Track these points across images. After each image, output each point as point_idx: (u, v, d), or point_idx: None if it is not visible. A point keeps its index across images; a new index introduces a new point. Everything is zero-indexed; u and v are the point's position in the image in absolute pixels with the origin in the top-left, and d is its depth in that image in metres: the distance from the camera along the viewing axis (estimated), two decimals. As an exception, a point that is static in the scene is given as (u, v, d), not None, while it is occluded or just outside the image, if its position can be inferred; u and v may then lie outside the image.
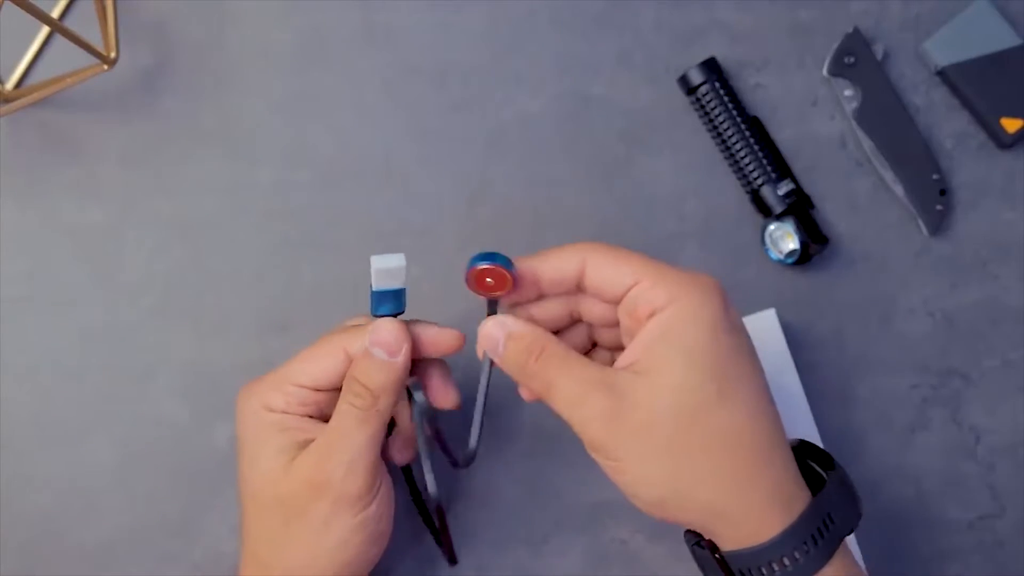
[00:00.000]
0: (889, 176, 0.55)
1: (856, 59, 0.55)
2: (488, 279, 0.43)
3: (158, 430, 0.54)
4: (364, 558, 0.45)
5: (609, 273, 0.42)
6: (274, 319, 0.55)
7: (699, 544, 0.42)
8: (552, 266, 0.43)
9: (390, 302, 0.45)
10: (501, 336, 0.42)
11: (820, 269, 0.55)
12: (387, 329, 0.44)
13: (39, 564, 0.54)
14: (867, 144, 0.55)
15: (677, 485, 0.40)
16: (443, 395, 0.47)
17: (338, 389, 0.45)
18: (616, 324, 0.43)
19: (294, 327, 0.55)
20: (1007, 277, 0.55)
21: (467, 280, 0.43)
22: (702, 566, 0.43)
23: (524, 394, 0.44)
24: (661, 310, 0.40)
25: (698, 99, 0.54)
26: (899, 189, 0.55)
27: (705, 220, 0.55)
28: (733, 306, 0.41)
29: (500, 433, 0.54)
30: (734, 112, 0.54)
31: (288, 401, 0.45)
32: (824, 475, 0.42)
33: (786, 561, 0.39)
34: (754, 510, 0.40)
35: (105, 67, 0.53)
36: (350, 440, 0.43)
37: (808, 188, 0.55)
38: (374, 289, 0.44)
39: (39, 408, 0.54)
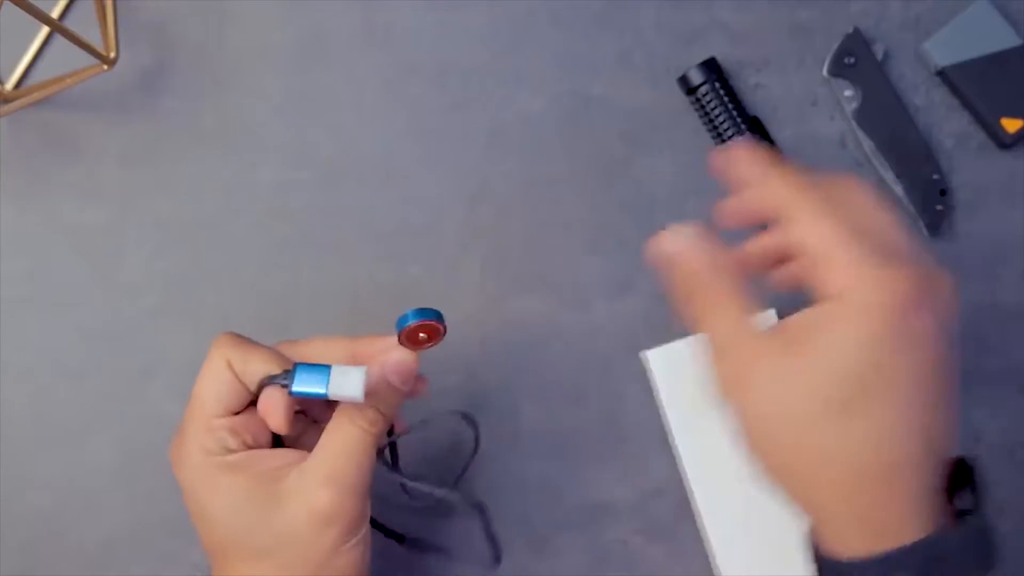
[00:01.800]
0: (889, 176, 0.55)
1: (856, 59, 0.55)
2: (421, 334, 0.44)
3: (158, 430, 0.54)
4: (366, 571, 0.45)
5: (803, 237, 0.39)
6: (274, 319, 0.55)
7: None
8: (760, 198, 0.41)
9: (306, 386, 0.42)
10: (676, 250, 0.41)
11: (820, 269, 0.55)
12: (405, 359, 0.43)
13: (39, 564, 0.54)
14: (867, 144, 0.55)
15: (770, 471, 0.39)
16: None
17: (243, 408, 0.43)
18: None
19: (294, 327, 0.55)
20: (1007, 277, 0.55)
21: (400, 338, 0.43)
22: (811, 559, 0.41)
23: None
24: (832, 298, 0.37)
25: (698, 99, 0.54)
26: (899, 189, 0.55)
27: (705, 220, 0.55)
28: (929, 310, 0.37)
29: (500, 434, 0.54)
30: (734, 112, 0.54)
31: (222, 437, 0.43)
32: (963, 517, 0.39)
33: None
34: (848, 533, 0.38)
35: (105, 67, 0.53)
36: (362, 464, 0.42)
37: (808, 188, 0.55)
38: (329, 390, 0.41)
39: (39, 408, 0.54)
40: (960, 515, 0.39)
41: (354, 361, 0.44)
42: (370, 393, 0.42)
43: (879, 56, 0.55)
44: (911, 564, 0.37)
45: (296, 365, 0.41)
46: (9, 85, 0.56)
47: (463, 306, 0.55)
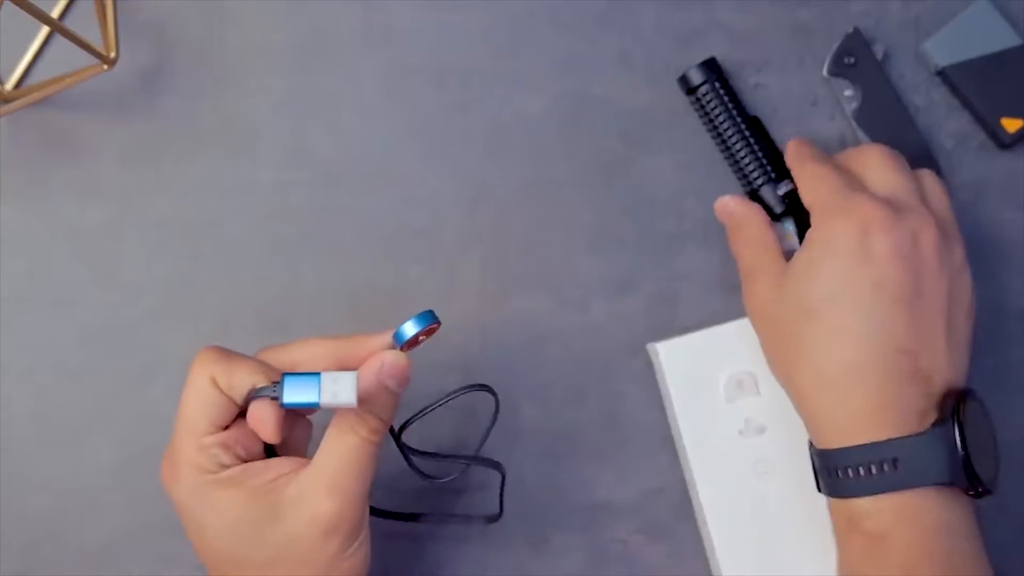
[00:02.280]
0: (889, 176, 0.55)
1: (856, 59, 0.55)
2: (421, 337, 0.44)
3: (158, 430, 0.54)
4: (366, 573, 0.45)
5: (804, 195, 0.50)
6: (274, 319, 0.55)
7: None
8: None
9: (297, 397, 0.40)
10: (727, 211, 0.52)
11: (820, 269, 0.55)
12: (399, 362, 0.42)
13: (39, 564, 0.54)
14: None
15: (778, 370, 0.48)
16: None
17: (232, 421, 0.43)
18: None
19: (294, 327, 0.55)
20: (1007, 277, 0.55)
21: (402, 348, 0.43)
22: (813, 465, 0.48)
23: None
24: (814, 226, 0.48)
25: (698, 99, 0.54)
26: (899, 189, 0.55)
27: (705, 220, 0.55)
28: (887, 235, 0.45)
29: (500, 434, 0.54)
30: (734, 112, 0.54)
31: (215, 455, 0.42)
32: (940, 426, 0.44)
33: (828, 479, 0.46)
34: (822, 417, 0.46)
35: (105, 67, 0.53)
36: (364, 474, 0.42)
37: (808, 188, 0.55)
38: (321, 399, 0.40)
39: (39, 408, 0.54)
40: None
41: (341, 363, 0.44)
42: (367, 399, 0.41)
43: (879, 56, 0.55)
44: (870, 458, 0.44)
45: (284, 375, 0.40)
46: (9, 85, 0.56)
47: (463, 306, 0.55)
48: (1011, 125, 0.55)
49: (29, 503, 0.54)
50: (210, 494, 0.42)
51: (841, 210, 0.46)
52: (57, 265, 0.55)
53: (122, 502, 0.54)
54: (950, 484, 0.44)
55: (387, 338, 0.44)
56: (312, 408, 0.40)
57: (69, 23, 0.55)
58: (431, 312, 0.44)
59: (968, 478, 0.44)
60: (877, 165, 0.49)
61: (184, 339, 0.55)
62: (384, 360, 0.42)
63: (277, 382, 0.41)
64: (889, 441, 0.44)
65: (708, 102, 0.54)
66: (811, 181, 0.49)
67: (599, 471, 0.54)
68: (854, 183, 0.48)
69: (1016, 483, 0.54)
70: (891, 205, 0.46)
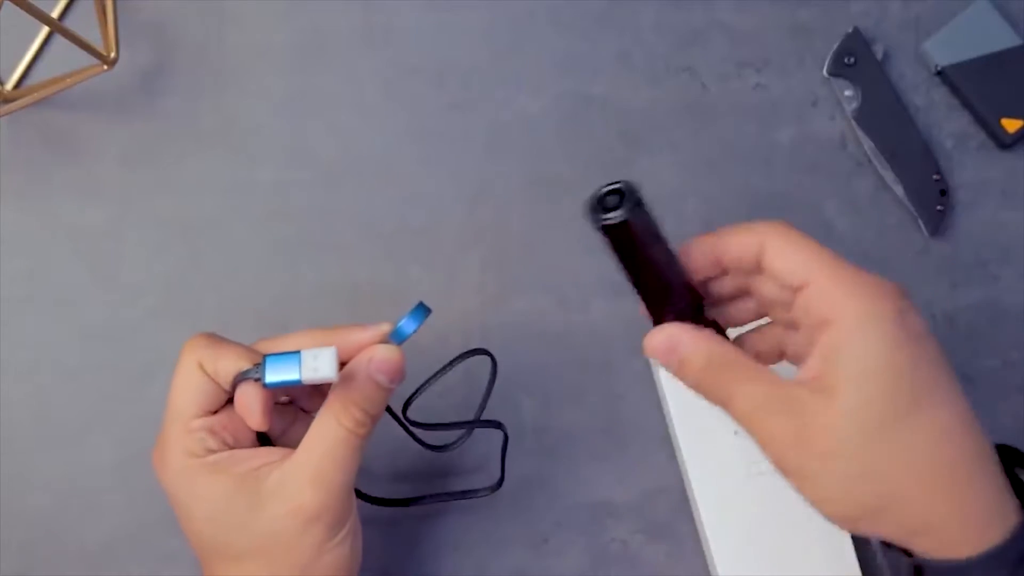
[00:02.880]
0: (889, 176, 0.55)
1: (856, 59, 0.55)
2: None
3: (158, 430, 0.54)
4: (355, 570, 0.44)
5: (784, 264, 0.40)
6: (274, 319, 0.55)
7: (891, 547, 0.39)
8: (734, 245, 0.41)
9: (278, 375, 0.40)
10: (674, 355, 0.40)
11: (820, 269, 0.55)
12: (391, 357, 0.42)
13: (39, 564, 0.54)
14: (867, 144, 0.55)
15: (867, 506, 0.38)
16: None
17: (221, 408, 0.43)
18: (790, 303, 0.41)
19: (294, 327, 0.54)
20: (1007, 277, 0.55)
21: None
22: (895, 569, 0.40)
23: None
24: (835, 321, 0.38)
25: (622, 236, 0.40)
26: (899, 189, 0.55)
27: (705, 220, 0.55)
28: (915, 312, 0.38)
29: (499, 434, 0.54)
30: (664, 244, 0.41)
31: (203, 439, 0.42)
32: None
33: None
34: (950, 529, 0.37)
35: (105, 67, 0.53)
36: (348, 466, 0.42)
37: (808, 188, 0.55)
38: (302, 374, 0.40)
39: (39, 408, 0.54)
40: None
41: None
42: (354, 390, 0.41)
43: (879, 56, 0.55)
44: (1020, 546, 0.37)
45: (265, 356, 0.41)
46: (9, 85, 0.56)
47: (463, 306, 0.55)
48: (1011, 125, 0.55)
49: (29, 503, 0.54)
50: (195, 478, 0.42)
51: (865, 294, 0.38)
52: (57, 265, 0.55)
53: (122, 502, 0.54)
54: None
55: (381, 330, 0.43)
56: (296, 386, 0.40)
57: (69, 23, 0.55)
58: (422, 305, 0.43)
59: None
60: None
61: (184, 339, 0.55)
62: (375, 354, 0.42)
63: (259, 364, 0.41)
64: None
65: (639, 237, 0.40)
66: (799, 252, 0.39)
67: (599, 471, 0.54)
68: (829, 251, 0.39)
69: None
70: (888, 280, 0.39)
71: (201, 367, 0.43)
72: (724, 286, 0.43)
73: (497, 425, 0.51)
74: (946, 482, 0.37)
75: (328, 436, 0.42)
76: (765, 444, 0.39)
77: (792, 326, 0.42)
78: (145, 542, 0.54)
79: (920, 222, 0.55)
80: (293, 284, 0.55)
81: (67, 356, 0.55)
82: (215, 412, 0.43)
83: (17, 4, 0.47)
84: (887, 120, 0.55)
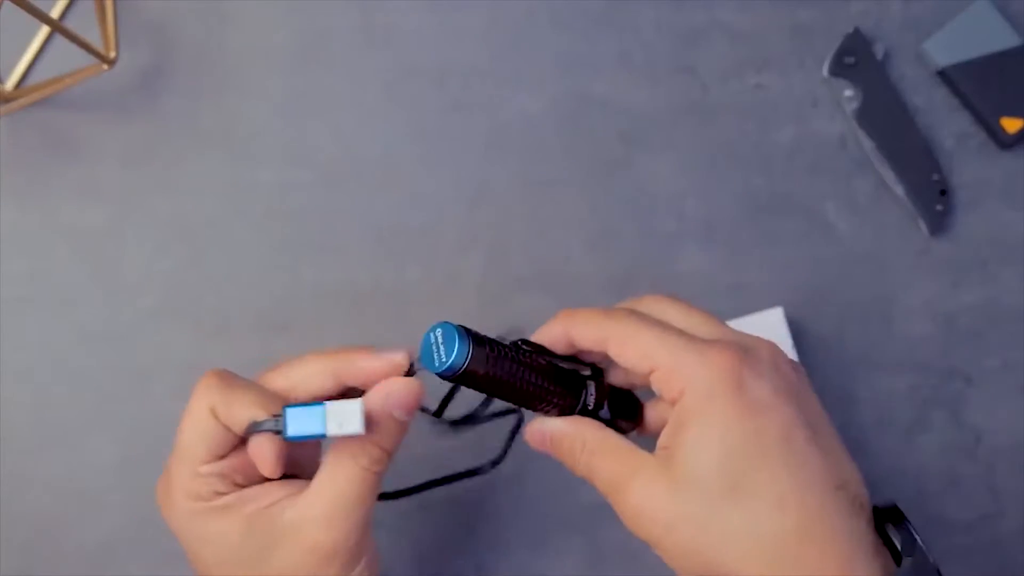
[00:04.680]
0: (889, 176, 0.55)
1: (856, 59, 0.55)
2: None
3: (158, 430, 0.54)
4: None
5: (628, 357, 0.41)
6: (274, 319, 0.55)
7: None
8: (583, 339, 0.42)
9: (301, 429, 0.38)
10: (546, 439, 0.43)
11: (821, 270, 0.55)
12: (410, 391, 0.40)
13: (39, 564, 0.54)
14: (867, 144, 0.55)
15: (710, 572, 0.39)
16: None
17: (232, 449, 0.42)
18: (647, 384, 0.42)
19: (294, 327, 0.55)
20: (1007, 277, 0.55)
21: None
22: None
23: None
24: (679, 399, 0.39)
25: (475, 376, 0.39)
26: (899, 189, 0.55)
27: (705, 220, 0.55)
28: (759, 376, 0.39)
29: (499, 433, 0.54)
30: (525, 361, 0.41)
31: (211, 483, 0.41)
32: (900, 557, 0.39)
33: None
34: None
35: (105, 67, 0.53)
36: (365, 503, 0.41)
37: (808, 188, 0.55)
38: (328, 430, 0.38)
39: (39, 408, 0.54)
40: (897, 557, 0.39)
41: (341, 382, 0.42)
42: (371, 428, 0.40)
43: (879, 56, 0.55)
44: None
45: (285, 409, 0.38)
46: (9, 85, 0.56)
47: (463, 306, 0.55)
48: (1011, 125, 0.55)
49: (29, 503, 0.54)
50: (205, 523, 0.41)
51: (700, 369, 0.39)
52: (57, 265, 0.55)
53: (122, 502, 0.54)
54: None
55: (395, 361, 0.41)
56: (317, 439, 0.39)
57: (69, 23, 0.55)
58: (452, 329, 0.39)
59: None
60: (671, 308, 0.42)
61: (184, 339, 0.55)
62: (391, 389, 0.40)
63: (278, 415, 0.39)
64: None
65: (488, 379, 0.39)
66: (636, 346, 0.40)
67: (599, 471, 0.54)
68: (674, 331, 0.40)
69: (1016, 483, 0.54)
70: (734, 344, 0.40)
71: (213, 412, 0.41)
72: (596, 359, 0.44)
73: (515, 410, 0.52)
74: (776, 557, 0.37)
75: (344, 474, 0.41)
76: (621, 516, 0.41)
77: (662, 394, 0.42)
78: (145, 542, 0.54)
79: (920, 222, 0.55)
80: (293, 284, 0.55)
81: (67, 356, 0.55)
82: (224, 456, 0.42)
83: (17, 4, 0.47)
84: (887, 120, 0.55)
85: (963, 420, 0.54)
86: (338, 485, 0.41)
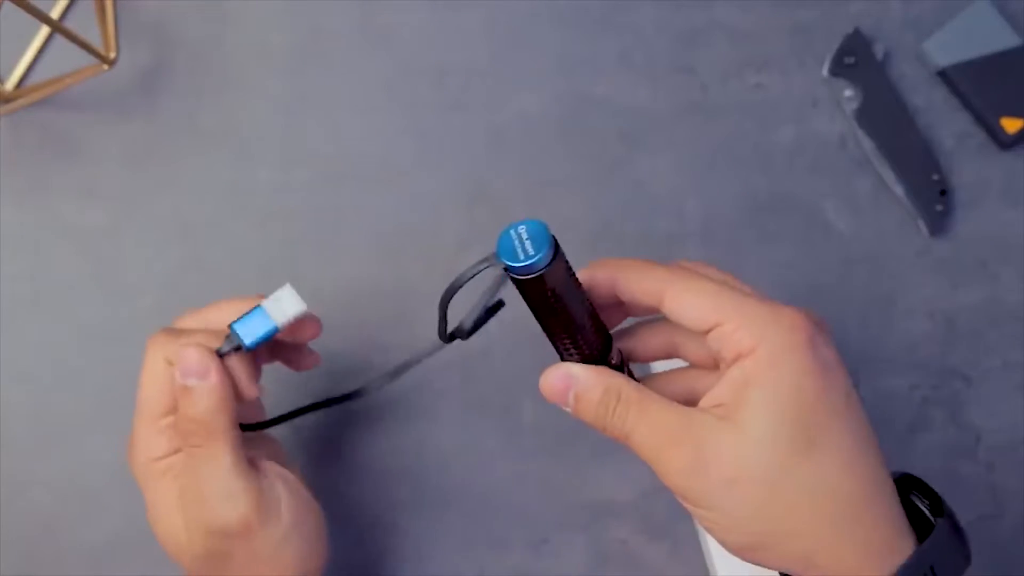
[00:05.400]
0: (889, 176, 0.55)
1: (856, 59, 0.55)
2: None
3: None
4: (309, 565, 0.44)
5: (689, 312, 0.39)
6: (274, 319, 0.55)
7: None
8: (635, 290, 0.40)
9: (254, 332, 0.42)
10: (570, 389, 0.39)
11: (821, 270, 0.55)
12: (191, 357, 0.42)
13: (39, 564, 0.54)
14: (867, 144, 0.55)
15: (765, 536, 0.38)
16: (306, 361, 0.48)
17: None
18: (698, 344, 0.41)
19: (294, 327, 0.55)
20: (1007, 277, 0.55)
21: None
22: None
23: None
24: (746, 355, 0.37)
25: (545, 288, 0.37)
26: (899, 189, 0.55)
27: (705, 220, 0.55)
28: (827, 342, 0.38)
29: (499, 433, 0.54)
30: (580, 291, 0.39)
31: (169, 437, 0.43)
32: (932, 520, 0.39)
33: None
34: (847, 561, 0.37)
35: (105, 67, 0.53)
36: (214, 479, 0.41)
37: (808, 188, 0.55)
38: (264, 305, 0.42)
39: (39, 408, 0.54)
40: (921, 517, 0.40)
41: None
42: (178, 404, 0.42)
43: (879, 56, 0.55)
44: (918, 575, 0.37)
45: (231, 326, 0.42)
46: (9, 85, 0.56)
47: (464, 305, 0.55)
48: (1011, 125, 0.55)
49: (29, 503, 0.54)
50: (153, 481, 0.43)
51: (776, 325, 0.37)
52: (57, 265, 0.55)
53: (122, 502, 0.54)
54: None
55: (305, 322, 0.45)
56: (275, 336, 0.42)
57: (69, 23, 0.55)
58: (544, 228, 0.36)
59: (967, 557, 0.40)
60: (718, 273, 0.41)
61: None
62: (180, 357, 0.42)
63: (228, 336, 0.42)
64: (920, 551, 0.38)
65: (554, 296, 0.37)
66: (702, 298, 0.38)
67: (599, 471, 0.54)
68: (739, 290, 0.39)
69: (1016, 483, 0.54)
70: (799, 307, 0.39)
71: (168, 362, 0.43)
72: (646, 345, 0.43)
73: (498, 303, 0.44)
74: (843, 515, 0.37)
75: (186, 458, 0.43)
76: (666, 475, 0.38)
77: (704, 366, 0.42)
78: (145, 542, 0.53)
79: (920, 222, 0.55)
80: (293, 284, 0.55)
81: (67, 356, 0.55)
82: None
83: (17, 4, 0.47)
84: (887, 120, 0.55)
85: (963, 420, 0.54)
86: (185, 468, 0.43)
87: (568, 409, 0.40)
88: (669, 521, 0.54)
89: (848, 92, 0.55)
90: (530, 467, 0.54)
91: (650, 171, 0.56)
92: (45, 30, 0.56)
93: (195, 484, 0.42)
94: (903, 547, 0.38)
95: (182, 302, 0.55)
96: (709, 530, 0.38)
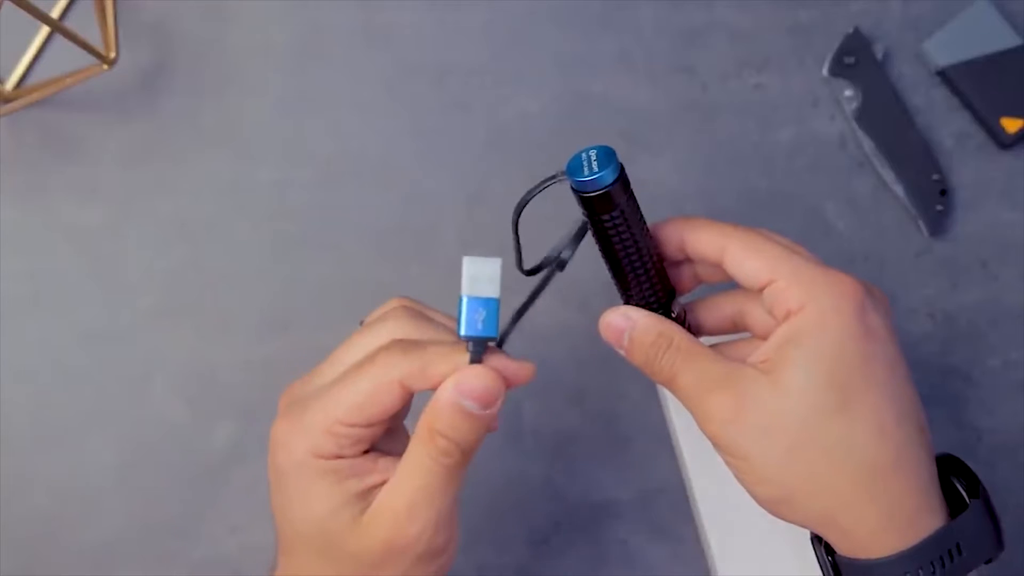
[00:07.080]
0: (889, 176, 0.55)
1: (856, 59, 0.55)
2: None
3: (158, 430, 0.54)
4: None
5: (746, 266, 0.40)
6: (274, 319, 0.55)
7: (818, 540, 0.41)
8: (701, 240, 0.42)
9: (483, 321, 0.38)
10: (626, 330, 0.41)
11: (820, 269, 0.55)
12: (480, 378, 0.38)
13: (39, 564, 0.54)
14: (867, 144, 0.55)
15: (793, 490, 0.39)
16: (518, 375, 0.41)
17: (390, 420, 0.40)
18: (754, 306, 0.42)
19: (294, 327, 0.55)
20: (1007, 277, 0.55)
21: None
22: (820, 563, 0.41)
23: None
24: (795, 313, 0.39)
25: (606, 220, 0.40)
26: (899, 189, 0.55)
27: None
28: (876, 309, 0.39)
29: (499, 432, 0.54)
30: (643, 226, 0.41)
31: (340, 443, 0.39)
32: (967, 500, 0.40)
33: None
34: (869, 524, 0.38)
35: (105, 67, 0.53)
36: (438, 500, 0.39)
37: (808, 188, 0.55)
38: (467, 295, 0.38)
39: (39, 408, 0.54)
40: (956, 504, 0.40)
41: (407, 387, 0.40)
42: (439, 418, 0.38)
43: (879, 56, 0.55)
44: (934, 553, 0.38)
45: (462, 335, 0.38)
46: (9, 85, 0.56)
47: (453, 301, 0.55)
48: (1011, 125, 0.55)
49: (29, 503, 0.54)
50: (314, 478, 0.39)
51: (827, 287, 0.39)
52: (57, 265, 0.55)
53: (122, 502, 0.54)
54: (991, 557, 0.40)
55: (520, 367, 0.40)
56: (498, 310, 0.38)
57: (69, 23, 0.55)
58: (612, 152, 0.37)
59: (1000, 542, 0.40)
60: (779, 238, 0.42)
61: (184, 339, 0.55)
62: (465, 375, 0.38)
63: (467, 346, 0.38)
64: (948, 526, 0.39)
65: (619, 223, 0.39)
66: (760, 255, 0.40)
67: (599, 471, 0.54)
68: (797, 252, 0.40)
69: (1016, 483, 0.54)
70: (854, 275, 0.40)
71: (403, 386, 0.39)
72: (713, 315, 0.44)
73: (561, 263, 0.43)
74: (868, 480, 0.38)
75: (417, 466, 0.39)
76: (704, 421, 0.39)
77: (766, 338, 0.42)
78: (145, 542, 0.54)
79: (920, 222, 0.55)
80: (293, 283, 0.55)
81: (67, 356, 0.55)
82: (371, 425, 0.40)
83: (17, 4, 0.47)
84: (887, 120, 0.55)
85: (963, 420, 0.54)
86: (414, 477, 0.39)
87: (621, 351, 0.41)
88: (669, 521, 0.54)
89: (848, 92, 0.55)
90: (530, 467, 0.54)
91: (650, 171, 0.56)
92: (45, 30, 0.56)
93: (421, 502, 0.39)
94: (932, 522, 0.38)
95: (182, 302, 0.55)
96: (741, 480, 0.40)
